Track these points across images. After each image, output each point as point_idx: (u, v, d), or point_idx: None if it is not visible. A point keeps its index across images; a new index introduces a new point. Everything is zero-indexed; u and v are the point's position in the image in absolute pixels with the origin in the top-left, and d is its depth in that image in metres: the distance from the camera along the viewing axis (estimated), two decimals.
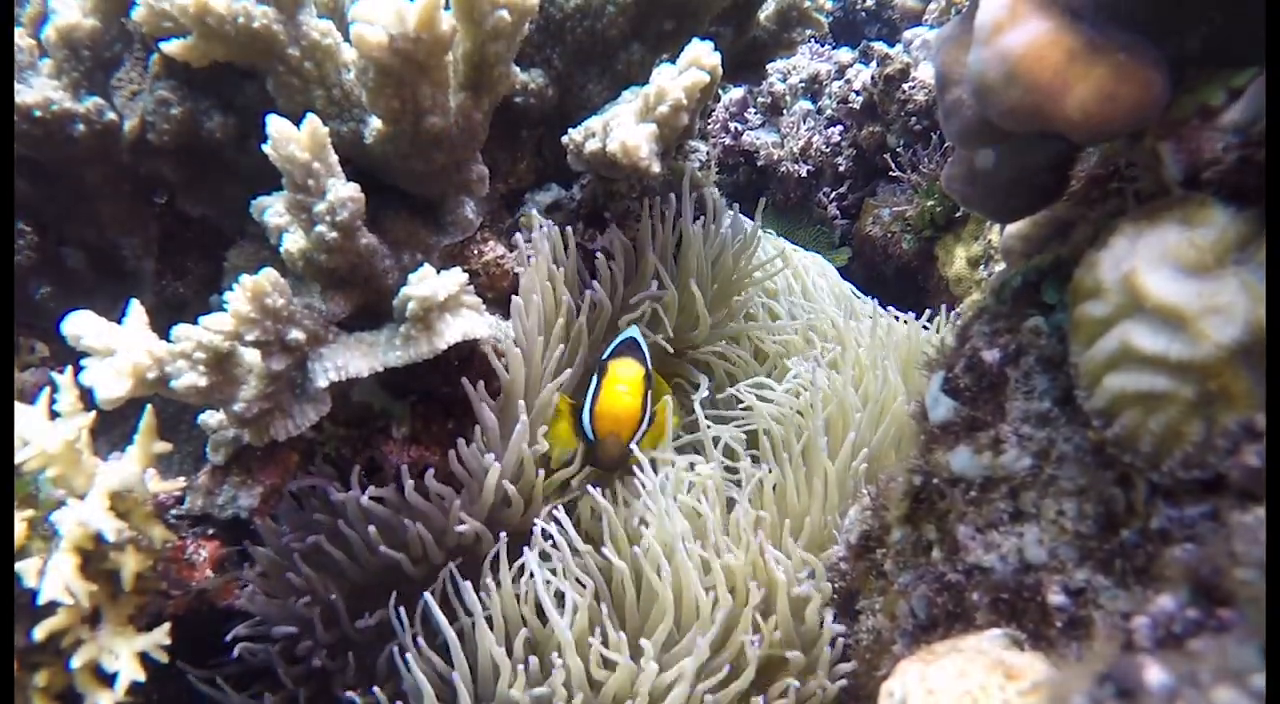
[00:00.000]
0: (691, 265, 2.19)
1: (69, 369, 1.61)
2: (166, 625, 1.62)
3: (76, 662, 1.53)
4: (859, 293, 2.77)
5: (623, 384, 1.73)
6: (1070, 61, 1.00)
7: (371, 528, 1.82)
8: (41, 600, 1.47)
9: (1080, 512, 1.12)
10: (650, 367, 1.86)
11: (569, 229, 2.08)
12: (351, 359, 1.75)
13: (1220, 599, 0.85)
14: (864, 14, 5.09)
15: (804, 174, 4.17)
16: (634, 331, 1.97)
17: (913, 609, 1.33)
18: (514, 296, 1.98)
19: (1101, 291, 1.04)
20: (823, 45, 4.52)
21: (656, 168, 1.82)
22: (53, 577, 1.47)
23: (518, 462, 1.90)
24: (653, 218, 2.12)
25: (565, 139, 1.99)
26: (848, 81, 4.16)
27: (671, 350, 2.12)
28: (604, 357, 1.89)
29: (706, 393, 2.16)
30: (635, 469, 1.81)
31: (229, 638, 1.85)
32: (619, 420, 1.74)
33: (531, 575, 1.72)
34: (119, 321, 1.59)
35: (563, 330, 2.02)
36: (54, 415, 1.59)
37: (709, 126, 4.00)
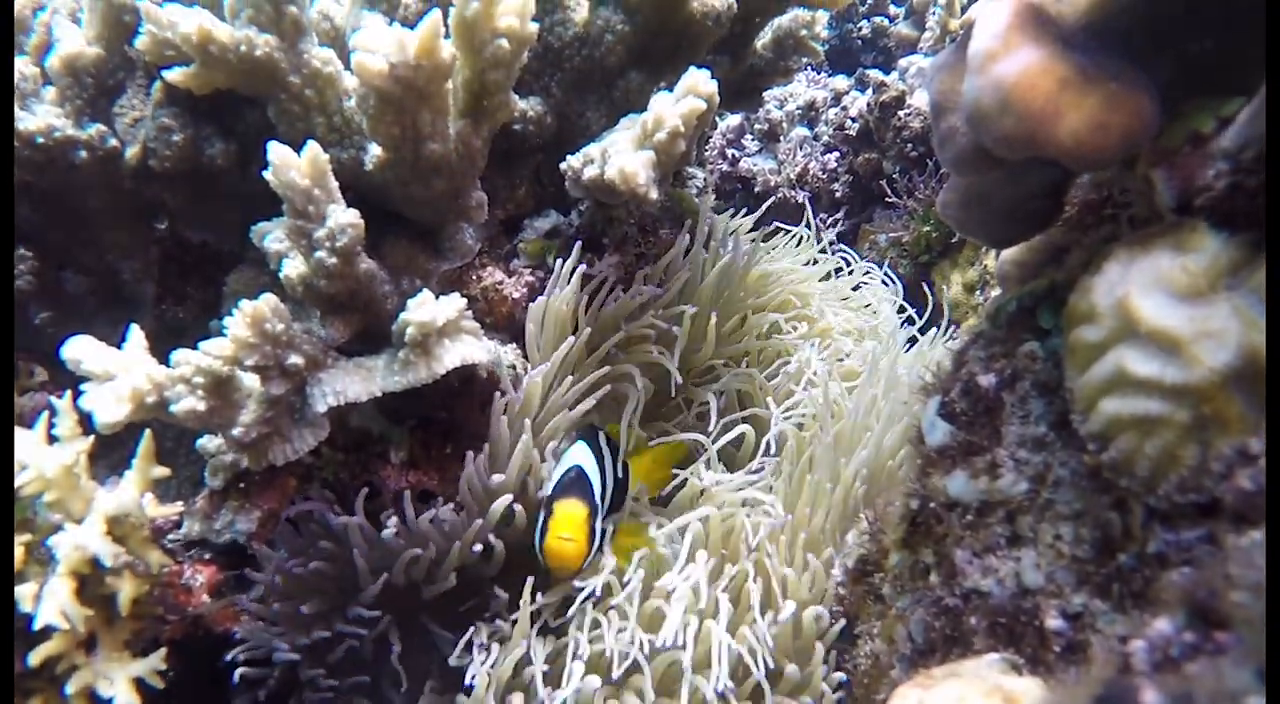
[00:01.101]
0: (703, 299, 2.22)
1: (68, 394, 1.61)
2: (162, 651, 1.62)
3: (71, 687, 1.52)
4: None
5: (566, 531, 1.76)
6: (1062, 90, 1.01)
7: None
8: (37, 625, 1.46)
9: (1077, 536, 1.12)
10: (597, 494, 1.84)
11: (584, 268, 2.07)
12: (350, 384, 1.76)
13: (1217, 622, 0.85)
14: (860, 42, 5.13)
15: (801, 200, 4.19)
16: (580, 455, 1.92)
17: (910, 634, 1.32)
18: (529, 325, 2.01)
19: (1096, 316, 1.05)
20: (819, 73, 4.55)
21: (655, 194, 1.83)
22: (49, 601, 1.47)
23: (521, 477, 1.92)
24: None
25: (564, 166, 2.00)
26: (844, 108, 4.19)
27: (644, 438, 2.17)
28: (552, 490, 1.87)
29: (718, 405, 2.18)
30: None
31: (227, 659, 1.84)
32: (564, 563, 1.79)
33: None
34: (119, 346, 1.60)
35: (572, 363, 2.04)
36: (52, 440, 1.59)
37: (706, 153, 4.02)
